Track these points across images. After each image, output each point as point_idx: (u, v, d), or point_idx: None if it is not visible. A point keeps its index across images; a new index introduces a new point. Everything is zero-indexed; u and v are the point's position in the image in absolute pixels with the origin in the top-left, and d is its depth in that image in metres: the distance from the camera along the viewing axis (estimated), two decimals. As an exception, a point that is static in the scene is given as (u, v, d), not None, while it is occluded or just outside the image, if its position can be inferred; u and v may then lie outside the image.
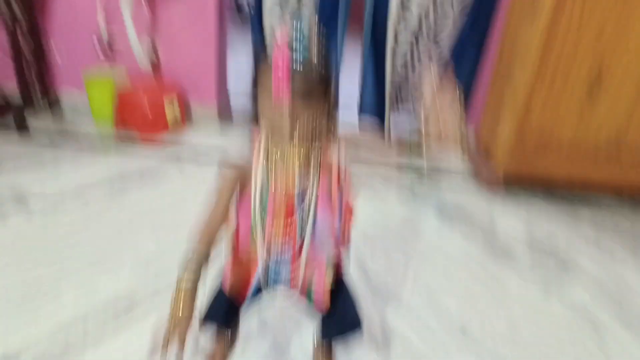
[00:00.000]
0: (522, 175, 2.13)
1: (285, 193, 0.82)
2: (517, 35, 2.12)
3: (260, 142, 0.82)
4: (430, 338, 1.26)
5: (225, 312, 0.97)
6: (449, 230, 1.79)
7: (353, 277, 1.46)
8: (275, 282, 0.91)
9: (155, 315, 1.23)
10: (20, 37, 2.38)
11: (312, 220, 0.83)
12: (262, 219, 0.83)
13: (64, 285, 1.32)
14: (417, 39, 2.52)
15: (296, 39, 0.72)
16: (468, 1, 2.42)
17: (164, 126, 2.43)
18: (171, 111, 2.43)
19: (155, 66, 2.61)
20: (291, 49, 0.71)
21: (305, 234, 0.84)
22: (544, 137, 2.04)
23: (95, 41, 2.44)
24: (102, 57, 2.54)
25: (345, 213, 0.87)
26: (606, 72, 1.90)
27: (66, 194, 1.79)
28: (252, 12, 2.51)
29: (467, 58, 2.63)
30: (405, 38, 2.52)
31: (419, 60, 2.58)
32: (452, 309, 1.37)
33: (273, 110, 0.76)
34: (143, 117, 2.37)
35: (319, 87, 0.76)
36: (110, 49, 2.56)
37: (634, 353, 1.27)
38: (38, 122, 2.47)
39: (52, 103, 2.65)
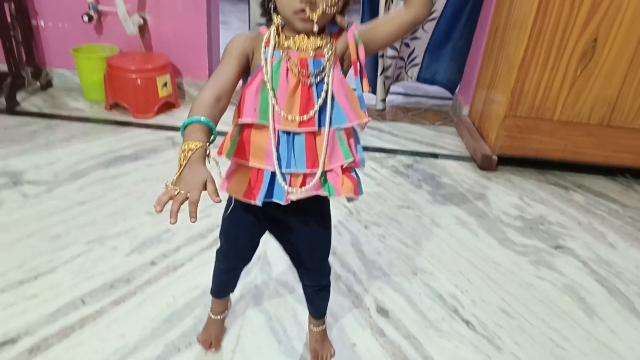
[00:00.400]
0: (516, 154, 2.14)
1: (299, 55, 0.76)
2: (510, 13, 2.10)
3: (270, 30, 0.78)
4: (422, 316, 1.28)
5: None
6: (443, 209, 1.81)
7: (346, 252, 1.48)
8: (289, 163, 0.79)
9: (152, 299, 1.25)
10: (8, 18, 2.33)
11: (329, 88, 0.77)
12: (276, 79, 0.76)
13: (60, 269, 1.33)
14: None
15: None
16: None
17: (157, 105, 2.41)
18: (164, 90, 2.40)
19: (147, 44, 2.57)
20: None
21: (321, 102, 0.77)
22: (537, 115, 2.04)
23: (85, 19, 2.39)
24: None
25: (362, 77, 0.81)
26: (599, 47, 1.89)
27: (60, 175, 1.79)
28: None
29: (461, 21, 2.64)
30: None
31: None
32: (444, 287, 1.40)
33: None
34: (135, 97, 2.35)
35: None
36: (99, 27, 2.52)
37: (620, 326, 1.31)
38: (29, 102, 2.44)
39: (43, 83, 2.61)
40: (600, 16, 1.84)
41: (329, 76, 0.77)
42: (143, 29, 2.51)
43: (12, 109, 2.34)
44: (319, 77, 0.77)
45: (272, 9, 0.77)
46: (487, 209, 1.85)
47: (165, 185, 0.63)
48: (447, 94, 2.98)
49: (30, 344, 1.10)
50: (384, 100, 2.72)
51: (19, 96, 2.45)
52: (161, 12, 2.48)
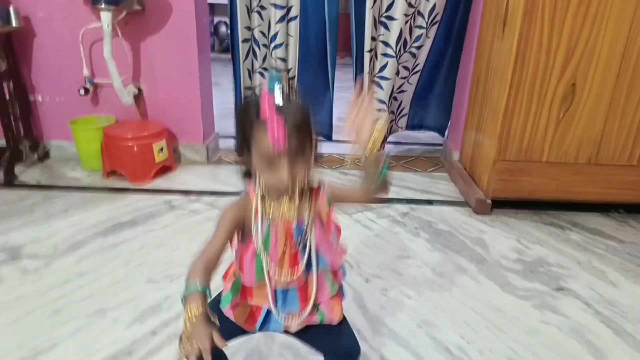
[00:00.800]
0: (510, 197, 2.17)
1: (284, 224, 0.88)
2: (490, 63, 2.20)
3: (256, 197, 0.88)
4: (431, 372, 1.26)
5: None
6: (443, 256, 1.82)
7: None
8: (284, 308, 0.94)
9: (156, 370, 1.23)
10: (7, 95, 2.41)
11: (312, 245, 0.89)
12: (266, 249, 0.88)
13: (61, 346, 1.31)
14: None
15: (279, 90, 0.76)
16: (439, 12, 2.54)
17: (154, 170, 2.45)
18: (160, 155, 2.45)
19: (143, 112, 2.65)
20: (277, 101, 0.76)
21: (305, 258, 0.89)
22: (526, 157, 2.09)
23: (82, 92, 2.48)
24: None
25: (337, 232, 0.95)
26: (578, 90, 1.97)
27: (59, 247, 1.79)
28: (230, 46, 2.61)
29: (442, 71, 2.77)
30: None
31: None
32: (450, 339, 1.38)
33: (269, 171, 0.81)
34: (132, 163, 2.39)
35: (308, 142, 0.81)
36: (95, 98, 2.60)
37: (632, 372, 1.29)
38: (28, 175, 2.48)
39: (41, 155, 2.66)
40: (576, 61, 1.93)
41: (310, 239, 0.89)
42: (138, 97, 2.59)
43: (10, 182, 2.38)
44: (301, 243, 0.89)
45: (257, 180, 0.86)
46: (486, 254, 1.86)
47: (178, 348, 0.77)
48: (438, 139, 3.06)
49: None
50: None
51: (17, 169, 2.49)
52: (155, 80, 2.58)
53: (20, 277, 1.62)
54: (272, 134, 0.76)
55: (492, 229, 2.06)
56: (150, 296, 1.53)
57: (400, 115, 2.93)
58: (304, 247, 0.89)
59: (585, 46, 1.90)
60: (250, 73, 2.75)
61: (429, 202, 2.33)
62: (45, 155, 2.70)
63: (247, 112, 0.81)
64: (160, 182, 2.45)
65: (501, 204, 2.21)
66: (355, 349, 1.00)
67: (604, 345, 1.38)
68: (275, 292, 0.93)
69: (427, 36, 2.63)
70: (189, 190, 2.36)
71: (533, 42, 1.91)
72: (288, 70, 2.68)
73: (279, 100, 0.76)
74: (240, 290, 0.95)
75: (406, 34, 2.59)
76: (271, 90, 0.76)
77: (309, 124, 0.81)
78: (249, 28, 2.62)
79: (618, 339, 1.41)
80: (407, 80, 2.79)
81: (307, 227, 0.88)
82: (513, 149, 2.09)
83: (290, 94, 0.78)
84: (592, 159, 2.09)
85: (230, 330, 0.96)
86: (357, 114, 0.81)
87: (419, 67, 2.75)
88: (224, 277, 0.98)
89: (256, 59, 2.69)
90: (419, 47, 2.66)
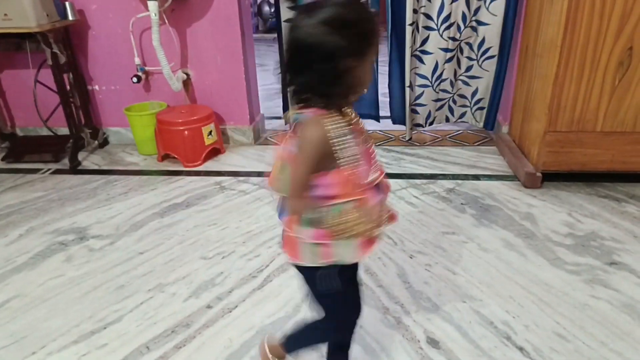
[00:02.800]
0: (561, 169, 2.10)
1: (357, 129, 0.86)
2: (539, 32, 2.10)
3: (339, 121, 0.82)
4: (474, 345, 1.28)
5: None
6: (489, 232, 1.80)
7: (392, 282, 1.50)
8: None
9: (210, 342, 1.32)
10: (68, 86, 2.57)
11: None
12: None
13: (126, 318, 1.43)
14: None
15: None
16: None
17: (204, 153, 2.55)
18: (209, 138, 2.55)
19: (192, 97, 2.75)
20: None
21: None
22: (578, 128, 2.01)
23: (134, 80, 2.60)
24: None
25: None
26: (636, 54, 1.86)
27: (121, 228, 1.93)
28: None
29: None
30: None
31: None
32: (494, 314, 1.39)
33: (369, 75, 0.82)
34: (184, 147, 2.50)
35: None
36: (147, 86, 2.72)
37: (688, 348, 1.25)
38: (89, 161, 2.66)
39: (101, 142, 2.83)
40: (633, 24, 1.81)
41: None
42: (187, 83, 2.69)
43: (74, 168, 2.55)
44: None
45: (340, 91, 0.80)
46: (535, 229, 1.82)
47: None
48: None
49: (104, 391, 1.18)
50: (412, 129, 2.74)
51: (80, 156, 2.67)
52: (202, 66, 2.66)
53: (88, 255, 1.76)
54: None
55: (542, 203, 2.01)
56: (203, 272, 1.63)
57: (477, 106, 2.72)
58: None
59: (643, 7, 1.78)
60: None
61: (476, 177, 2.29)
62: (104, 142, 2.87)
63: (363, 24, 0.78)
64: (210, 164, 2.56)
65: (552, 177, 2.15)
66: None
67: (658, 320, 1.34)
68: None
69: (488, 10, 2.49)
70: (237, 171, 2.45)
71: (585, 5, 1.80)
72: None
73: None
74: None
75: (463, 7, 2.48)
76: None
77: None
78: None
79: (675, 314, 1.37)
80: (480, 64, 2.62)
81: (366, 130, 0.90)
82: (564, 120, 2.01)
83: None
84: (652, 128, 1.97)
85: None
86: None
87: (494, 52, 2.54)
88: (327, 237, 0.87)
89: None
90: (481, 24, 2.50)
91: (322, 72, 0.77)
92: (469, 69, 2.63)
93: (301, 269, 0.95)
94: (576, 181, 2.16)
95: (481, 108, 2.73)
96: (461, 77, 2.67)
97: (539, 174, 2.11)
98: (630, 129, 1.99)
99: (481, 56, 2.58)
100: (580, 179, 2.16)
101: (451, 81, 2.66)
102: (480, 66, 2.61)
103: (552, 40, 1.93)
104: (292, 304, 1.46)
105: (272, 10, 6.53)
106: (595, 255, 1.64)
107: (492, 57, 2.55)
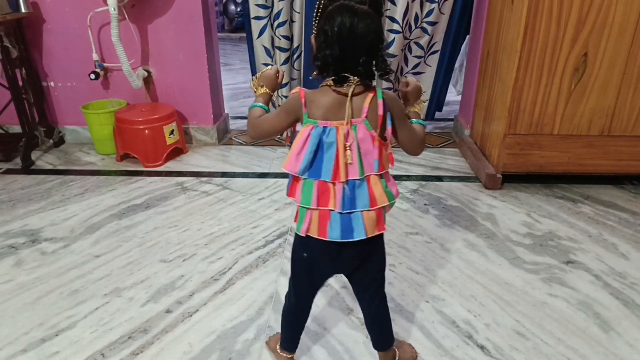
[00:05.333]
0: (520, 171, 2.15)
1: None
2: (500, 36, 2.16)
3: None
4: (436, 345, 1.29)
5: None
6: (451, 232, 1.82)
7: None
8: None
9: (169, 348, 1.28)
10: (20, 82, 2.45)
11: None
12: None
13: (80, 324, 1.37)
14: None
15: None
16: None
17: (165, 153, 2.48)
18: (171, 138, 2.48)
19: (153, 95, 2.67)
20: None
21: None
22: (536, 131, 2.07)
23: (92, 77, 2.50)
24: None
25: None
26: (590, 60, 1.93)
27: (76, 230, 1.85)
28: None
29: (456, 46, 2.70)
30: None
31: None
32: (456, 313, 1.40)
33: None
34: (144, 146, 2.43)
35: None
36: (106, 83, 2.63)
37: (638, 339, 1.29)
38: (44, 160, 2.54)
39: (56, 141, 2.72)
40: (588, 31, 1.88)
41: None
42: (148, 81, 2.61)
43: (27, 168, 2.44)
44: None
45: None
46: (496, 229, 1.86)
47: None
48: (449, 116, 3.02)
49: (54, 401, 1.12)
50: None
51: (34, 155, 2.55)
52: (164, 63, 2.59)
53: (40, 258, 1.68)
54: None
55: (502, 204, 2.05)
56: (163, 275, 1.58)
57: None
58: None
59: (597, 15, 1.85)
60: (269, 50, 2.72)
61: (439, 178, 2.32)
62: (60, 141, 2.75)
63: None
64: (172, 165, 2.49)
65: (512, 179, 2.20)
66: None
67: (612, 317, 1.39)
68: None
69: (440, 12, 2.57)
70: (200, 171, 2.39)
71: (543, 12, 1.86)
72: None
73: None
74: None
75: (417, 9, 2.54)
76: None
77: None
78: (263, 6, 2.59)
79: (627, 310, 1.42)
80: (425, 61, 2.73)
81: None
82: (523, 123, 2.06)
83: None
84: (605, 131, 2.05)
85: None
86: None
87: (437, 47, 2.70)
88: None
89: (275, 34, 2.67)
90: (432, 24, 2.61)
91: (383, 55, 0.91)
92: (415, 66, 2.75)
93: (377, 240, 1.03)
94: (535, 182, 2.22)
95: (423, 101, 2.82)
96: (407, 74, 2.78)
97: (499, 176, 2.16)
98: (585, 133, 2.06)
99: (427, 52, 2.73)
100: (538, 180, 2.22)
101: (397, 78, 2.74)
102: (425, 62, 2.74)
103: (512, 45, 1.98)
104: (255, 307, 1.43)
105: (239, 9, 6.46)
106: (553, 255, 1.69)
107: (436, 51, 2.71)
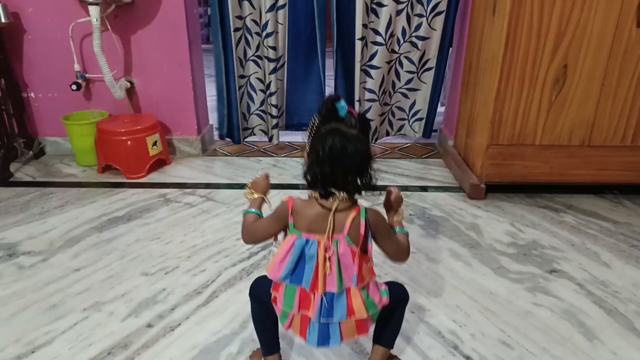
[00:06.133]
0: (503, 181, 2.17)
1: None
2: (482, 48, 2.19)
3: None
4: (423, 356, 1.28)
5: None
6: (436, 242, 1.82)
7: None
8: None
9: (151, 361, 1.25)
10: (0, 92, 2.41)
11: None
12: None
13: (58, 340, 1.33)
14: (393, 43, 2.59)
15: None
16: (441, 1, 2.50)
17: (148, 164, 2.45)
18: (154, 149, 2.45)
19: (135, 106, 2.64)
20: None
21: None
22: (519, 141, 2.09)
23: (74, 88, 2.47)
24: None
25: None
26: (570, 72, 1.96)
27: (55, 243, 1.80)
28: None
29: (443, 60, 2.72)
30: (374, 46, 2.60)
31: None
32: (442, 323, 1.39)
33: None
34: (126, 158, 2.40)
35: None
36: (88, 94, 2.60)
37: (621, 347, 1.30)
38: (23, 172, 2.49)
39: (36, 152, 2.67)
40: (567, 43, 1.92)
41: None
42: (130, 91, 2.59)
43: (5, 180, 2.38)
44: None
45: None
46: (480, 239, 1.86)
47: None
48: (433, 127, 3.04)
49: (29, 421, 1.08)
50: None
51: (12, 167, 2.50)
52: (147, 74, 2.57)
53: (17, 273, 1.63)
54: None
55: (486, 214, 2.07)
56: (144, 289, 1.55)
57: (415, 118, 2.87)
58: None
59: (576, 28, 1.89)
60: (243, 61, 2.72)
61: (424, 188, 2.33)
62: (40, 152, 2.70)
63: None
64: (155, 176, 2.46)
65: (495, 189, 2.22)
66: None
67: (595, 325, 1.40)
68: None
69: (431, 27, 2.59)
70: (183, 183, 2.37)
71: (523, 25, 1.89)
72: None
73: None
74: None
75: (403, 23, 2.56)
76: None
77: None
78: (240, 17, 2.60)
79: (610, 318, 1.42)
80: (419, 77, 2.75)
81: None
82: (506, 133, 2.08)
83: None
84: (585, 141, 2.08)
85: None
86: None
87: (432, 64, 2.68)
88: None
89: (249, 47, 2.67)
90: (422, 38, 2.61)
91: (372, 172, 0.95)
92: (408, 81, 2.76)
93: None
94: (518, 192, 2.24)
95: (420, 119, 2.88)
96: (400, 90, 2.78)
97: (483, 186, 2.18)
98: (566, 143, 2.09)
99: (420, 68, 2.70)
100: (521, 190, 2.24)
101: (390, 93, 2.75)
102: (419, 78, 2.73)
103: (494, 56, 2.01)
104: (239, 320, 1.40)
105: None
106: (537, 264, 1.70)
107: (430, 68, 2.70)
